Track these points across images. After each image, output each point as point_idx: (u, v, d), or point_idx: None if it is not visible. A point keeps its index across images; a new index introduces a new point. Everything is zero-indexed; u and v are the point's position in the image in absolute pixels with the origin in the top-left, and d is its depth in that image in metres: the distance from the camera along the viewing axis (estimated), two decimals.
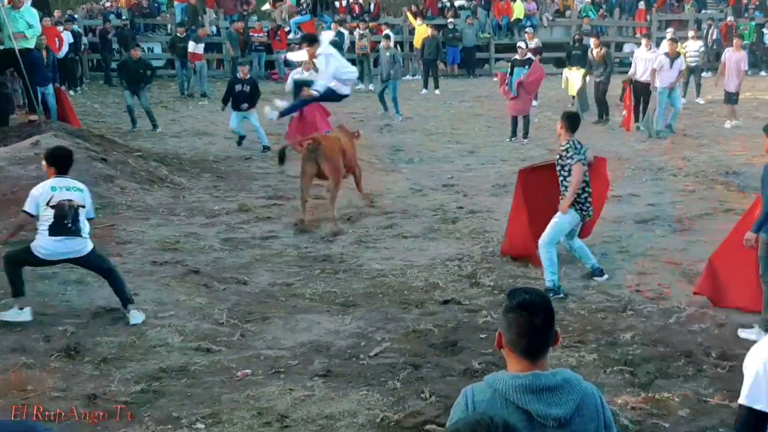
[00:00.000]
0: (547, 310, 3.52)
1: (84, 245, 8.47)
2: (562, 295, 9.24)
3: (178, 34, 25.65)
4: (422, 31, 27.91)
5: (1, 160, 13.35)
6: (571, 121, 9.51)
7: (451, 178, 15.37)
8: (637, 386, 7.09)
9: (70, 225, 8.35)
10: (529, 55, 19.91)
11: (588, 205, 9.53)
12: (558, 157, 9.47)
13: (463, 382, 7.14)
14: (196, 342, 8.09)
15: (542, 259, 9.51)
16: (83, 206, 8.51)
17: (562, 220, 9.42)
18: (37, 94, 16.64)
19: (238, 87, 17.67)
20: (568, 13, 31.65)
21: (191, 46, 25.23)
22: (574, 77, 21.65)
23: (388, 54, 22.79)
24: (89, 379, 7.22)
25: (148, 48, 27.84)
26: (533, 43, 25.04)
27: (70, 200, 8.36)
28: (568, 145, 9.31)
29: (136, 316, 8.46)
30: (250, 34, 27.87)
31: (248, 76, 18.33)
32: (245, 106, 17.54)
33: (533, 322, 3.45)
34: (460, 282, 9.86)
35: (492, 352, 7.82)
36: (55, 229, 8.30)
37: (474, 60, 29.78)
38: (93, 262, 8.70)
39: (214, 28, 28.54)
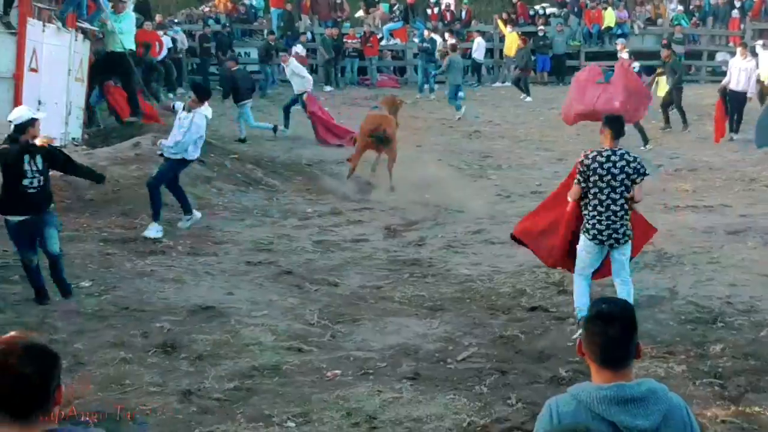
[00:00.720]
0: (624, 320, 3.47)
1: None
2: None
3: (270, 42, 26.06)
4: (513, 38, 27.86)
5: (103, 161, 13.71)
6: (615, 127, 8.30)
7: (540, 185, 15.21)
8: (727, 399, 6.94)
9: None
10: (635, 65, 19.74)
11: (601, 230, 8.16)
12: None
13: (551, 389, 7.08)
14: (288, 342, 8.18)
15: None
16: None
17: (579, 248, 8.42)
18: (136, 97, 17.02)
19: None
20: (659, 21, 31.16)
21: (299, 48, 26.08)
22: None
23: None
24: (185, 375, 7.35)
25: (245, 53, 28.24)
26: (625, 53, 24.82)
27: None
28: (595, 156, 8.04)
29: None
30: (344, 40, 28.09)
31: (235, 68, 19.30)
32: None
33: (607, 333, 3.42)
34: (547, 289, 9.79)
35: (579, 360, 7.72)
36: None
37: (564, 67, 29.38)
38: None
39: (309, 34, 28.79)
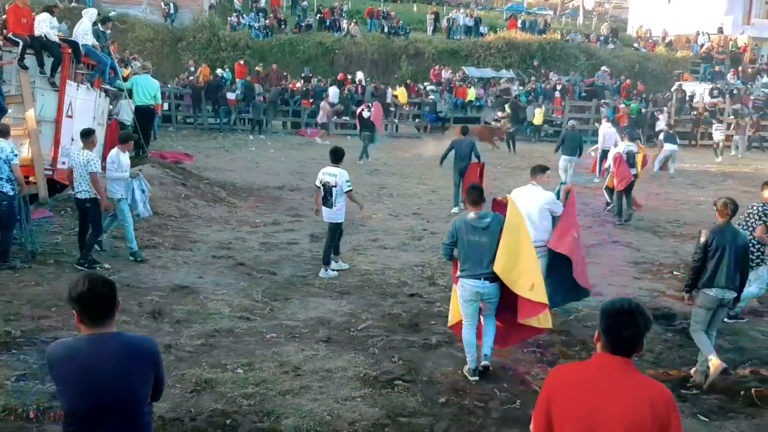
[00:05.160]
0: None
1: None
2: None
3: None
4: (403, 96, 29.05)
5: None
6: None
7: (419, 209, 15.38)
8: (545, 363, 7.18)
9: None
10: None
11: None
12: None
13: (422, 351, 7.26)
14: (239, 312, 8.19)
15: None
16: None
17: None
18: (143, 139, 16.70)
19: None
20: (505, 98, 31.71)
21: (229, 95, 27.22)
22: None
23: None
24: (167, 334, 7.34)
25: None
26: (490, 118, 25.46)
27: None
28: None
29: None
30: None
31: None
32: None
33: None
34: (422, 282, 9.90)
35: (443, 331, 7.86)
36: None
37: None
38: None
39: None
